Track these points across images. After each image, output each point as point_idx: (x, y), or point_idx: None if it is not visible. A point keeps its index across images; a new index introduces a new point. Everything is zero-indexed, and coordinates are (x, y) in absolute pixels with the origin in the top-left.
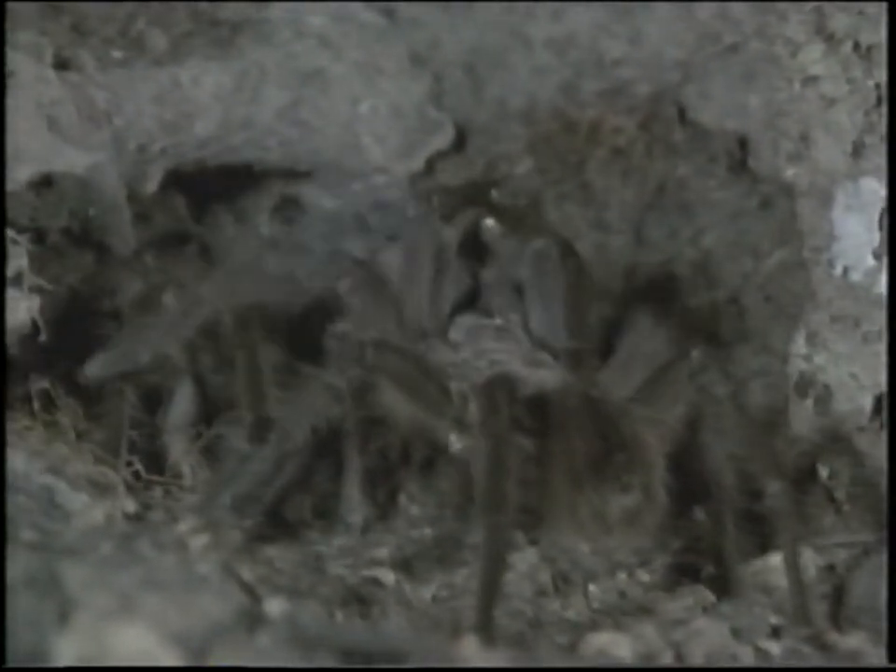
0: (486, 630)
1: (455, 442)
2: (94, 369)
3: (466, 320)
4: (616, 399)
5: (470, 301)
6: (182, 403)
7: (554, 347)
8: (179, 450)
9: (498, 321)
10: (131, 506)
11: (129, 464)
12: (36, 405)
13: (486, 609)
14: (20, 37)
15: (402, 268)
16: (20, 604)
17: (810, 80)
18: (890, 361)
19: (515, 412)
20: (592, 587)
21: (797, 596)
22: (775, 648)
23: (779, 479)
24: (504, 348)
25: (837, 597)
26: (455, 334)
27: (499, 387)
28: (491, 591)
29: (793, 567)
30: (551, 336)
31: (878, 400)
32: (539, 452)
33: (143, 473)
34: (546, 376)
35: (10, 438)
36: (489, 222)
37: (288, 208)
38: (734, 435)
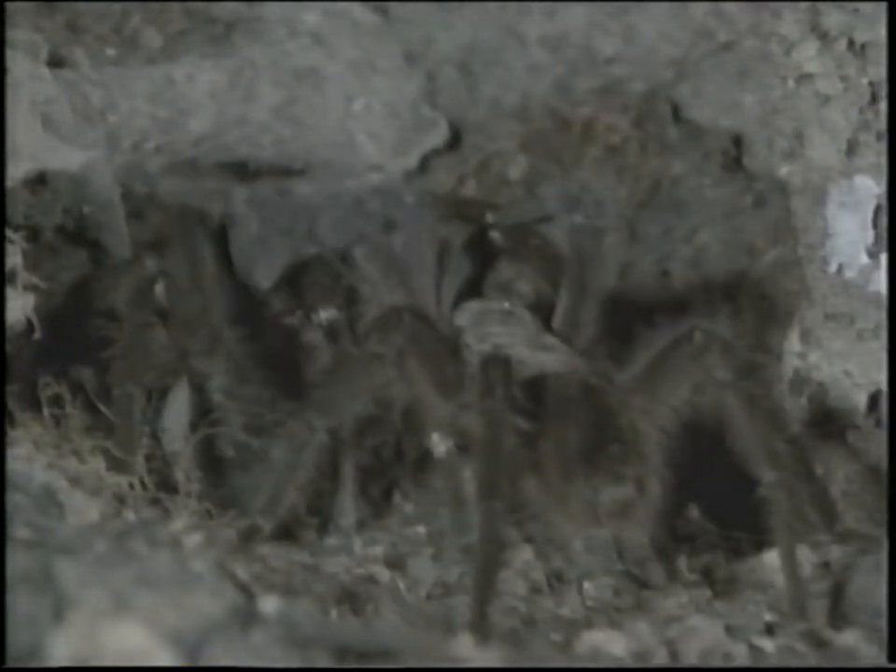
0: (482, 626)
1: (439, 444)
2: None
3: (472, 305)
4: (615, 387)
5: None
6: (178, 404)
7: (575, 334)
8: (176, 451)
9: (505, 305)
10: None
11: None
12: (45, 408)
13: (482, 602)
14: (14, 35)
15: (404, 253)
16: (15, 602)
17: (804, 78)
18: (891, 360)
19: (511, 392)
20: (586, 584)
21: (794, 590)
22: (769, 645)
23: (776, 469)
24: (508, 331)
25: (833, 594)
26: (459, 319)
27: (495, 367)
28: (486, 583)
29: (789, 559)
30: (573, 325)
31: (873, 398)
32: (535, 438)
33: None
34: (548, 360)
35: (12, 435)
36: None
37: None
38: (733, 418)
